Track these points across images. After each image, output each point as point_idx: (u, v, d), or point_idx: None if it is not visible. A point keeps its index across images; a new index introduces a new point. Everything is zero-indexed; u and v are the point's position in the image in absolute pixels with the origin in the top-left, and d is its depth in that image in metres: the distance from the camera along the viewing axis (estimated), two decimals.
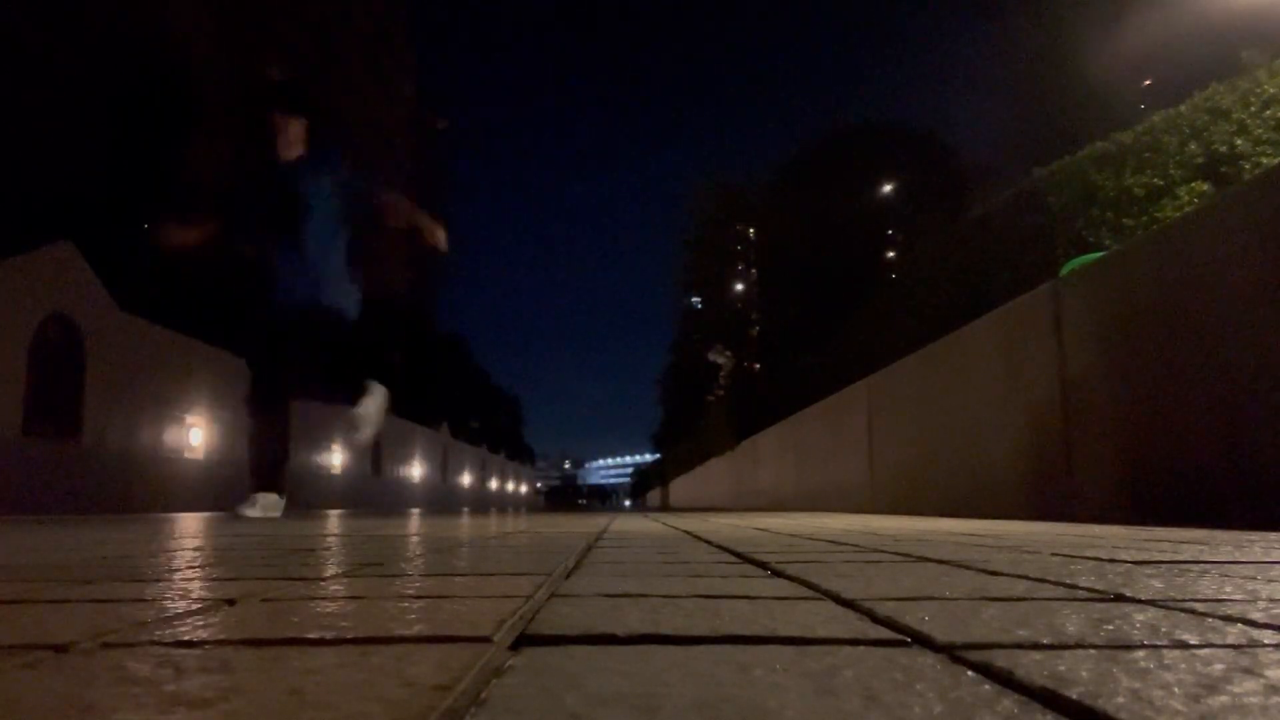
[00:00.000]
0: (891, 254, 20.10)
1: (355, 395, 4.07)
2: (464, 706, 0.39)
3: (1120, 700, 0.39)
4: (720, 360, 24.43)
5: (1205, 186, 4.17)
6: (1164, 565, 1.11)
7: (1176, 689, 0.41)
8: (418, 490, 23.24)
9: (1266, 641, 0.54)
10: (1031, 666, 0.46)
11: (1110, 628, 0.59)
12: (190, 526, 3.34)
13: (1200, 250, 2.50)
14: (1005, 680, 0.43)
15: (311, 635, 0.59)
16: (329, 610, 0.73)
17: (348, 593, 0.87)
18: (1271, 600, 0.75)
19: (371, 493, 19.31)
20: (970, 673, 0.45)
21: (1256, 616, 0.65)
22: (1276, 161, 3.72)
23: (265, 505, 3.96)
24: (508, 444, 41.47)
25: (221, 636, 0.60)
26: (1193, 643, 0.53)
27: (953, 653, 0.50)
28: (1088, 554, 1.29)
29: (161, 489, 11.03)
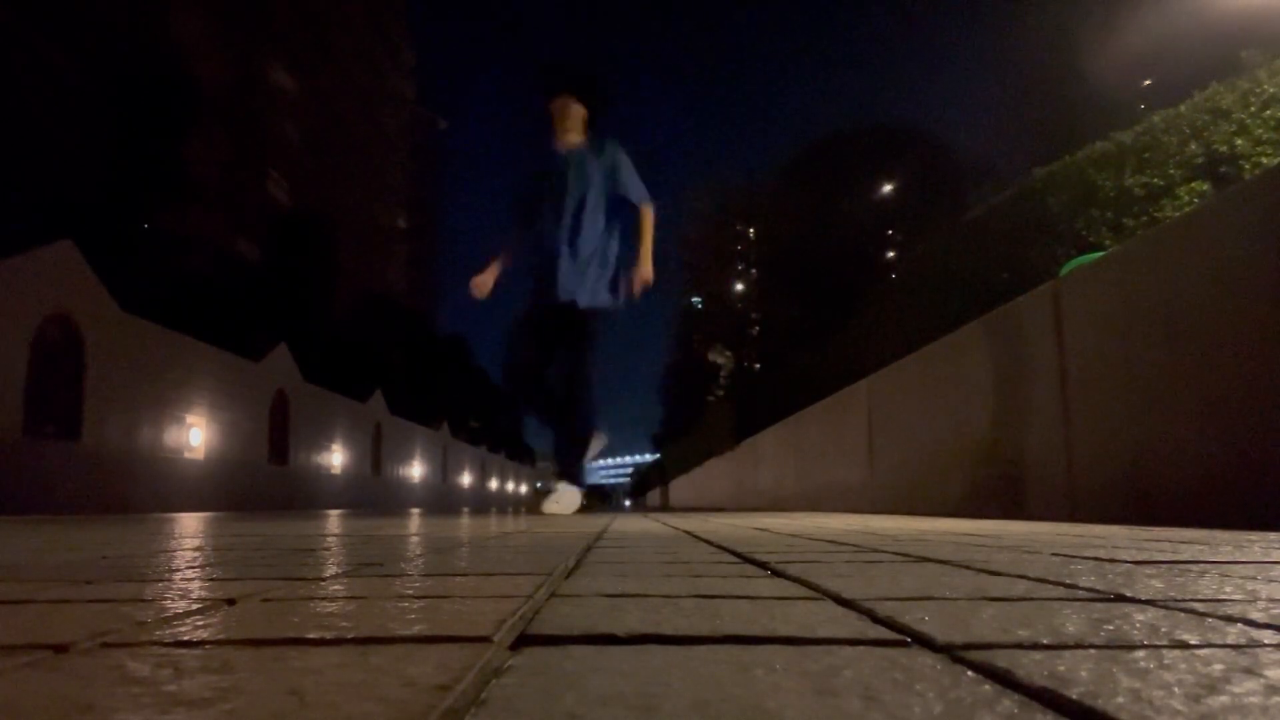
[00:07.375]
0: (891, 254, 20.12)
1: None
2: (464, 706, 0.39)
3: (1120, 700, 0.39)
4: (720, 360, 24.46)
5: (1205, 186, 4.17)
6: (1164, 565, 1.11)
7: (1176, 689, 0.41)
8: (417, 490, 23.25)
9: (1266, 641, 0.54)
10: (1031, 666, 0.46)
11: (1110, 628, 0.59)
12: (190, 526, 3.34)
13: (1200, 250, 2.50)
14: (1005, 680, 0.43)
15: (311, 635, 0.59)
16: (329, 610, 0.73)
17: (348, 593, 0.87)
18: (1271, 600, 0.75)
19: (371, 492, 19.33)
20: (970, 673, 0.45)
21: (1256, 616, 0.65)
22: (1277, 161, 3.72)
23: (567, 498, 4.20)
24: (508, 444, 41.45)
25: (221, 636, 0.60)
26: (1193, 643, 0.53)
27: (953, 653, 0.50)
28: (1088, 554, 1.29)
29: (162, 489, 11.04)
